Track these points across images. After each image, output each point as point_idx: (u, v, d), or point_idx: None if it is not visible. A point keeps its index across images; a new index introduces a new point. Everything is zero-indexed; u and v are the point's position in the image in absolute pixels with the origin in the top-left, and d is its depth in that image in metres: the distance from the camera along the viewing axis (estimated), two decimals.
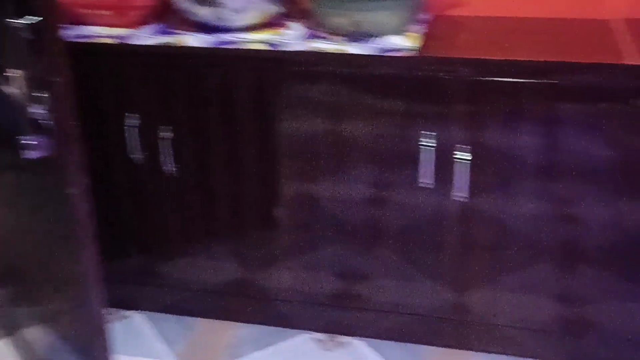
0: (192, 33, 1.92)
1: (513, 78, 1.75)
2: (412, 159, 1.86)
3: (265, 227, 2.07)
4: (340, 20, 1.84)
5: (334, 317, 2.13)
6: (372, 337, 2.10)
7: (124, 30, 1.95)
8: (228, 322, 2.20)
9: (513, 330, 2.00)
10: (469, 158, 1.81)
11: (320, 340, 2.11)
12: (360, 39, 1.83)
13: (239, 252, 2.12)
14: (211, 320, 2.21)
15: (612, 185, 1.79)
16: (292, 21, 1.98)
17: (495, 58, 1.78)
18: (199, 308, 2.24)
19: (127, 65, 1.98)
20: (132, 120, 2.01)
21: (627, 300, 1.88)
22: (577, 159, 1.79)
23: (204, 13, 1.89)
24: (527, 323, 1.98)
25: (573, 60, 1.75)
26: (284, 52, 1.86)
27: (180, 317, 2.23)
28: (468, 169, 1.82)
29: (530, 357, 2.01)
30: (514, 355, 2.02)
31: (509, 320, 1.99)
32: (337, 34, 1.86)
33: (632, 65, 1.70)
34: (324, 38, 1.86)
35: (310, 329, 2.15)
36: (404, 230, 1.97)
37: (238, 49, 1.88)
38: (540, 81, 1.74)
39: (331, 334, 2.13)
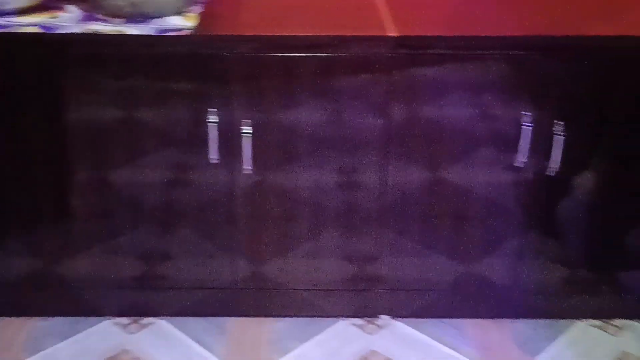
0: None
1: (289, 52, 1.80)
2: (202, 138, 1.85)
3: (60, 217, 1.98)
4: (118, 1, 1.79)
5: (137, 299, 2.08)
6: (175, 315, 2.08)
7: None
8: (26, 317, 2.08)
9: (307, 293, 2.07)
10: (251, 132, 1.83)
11: (124, 324, 2.06)
12: (139, 21, 1.79)
13: (34, 244, 2.01)
14: (8, 318, 2.07)
15: (382, 151, 1.89)
16: (69, 3, 1.89)
17: (271, 34, 1.82)
18: None
19: None
20: None
21: (404, 255, 2.01)
22: (352, 128, 1.87)
23: None
24: (320, 285, 2.05)
25: (342, 34, 1.82)
26: (60, 34, 1.77)
27: None
28: (251, 144, 1.85)
29: (324, 316, 2.08)
30: (310, 316, 2.08)
31: (303, 284, 2.05)
32: (116, 16, 1.81)
33: (393, 37, 1.80)
34: (102, 20, 1.80)
35: (113, 314, 2.08)
36: (200, 209, 1.96)
37: (10, 32, 1.77)
38: (314, 55, 1.80)
39: (135, 317, 2.08)
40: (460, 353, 1.98)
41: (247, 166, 1.87)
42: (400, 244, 2.00)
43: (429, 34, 1.83)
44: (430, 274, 2.04)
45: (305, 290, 2.07)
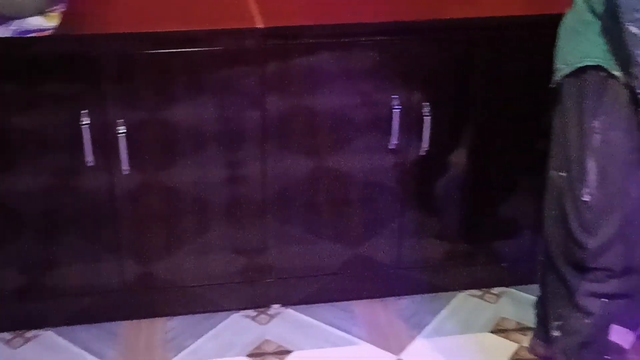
0: None
1: (160, 49, 1.76)
2: (77, 141, 1.78)
3: None
4: None
5: (19, 312, 1.97)
6: (63, 325, 1.99)
7: None
8: None
9: (198, 289, 2.03)
10: (126, 132, 1.78)
11: (6, 340, 1.95)
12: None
13: None
14: None
15: (262, 143, 1.88)
16: None
17: (141, 31, 1.77)
18: None
19: None
20: None
21: (291, 243, 2.01)
22: (231, 122, 1.85)
23: None
24: (211, 280, 2.02)
25: (213, 28, 1.79)
26: None
27: None
28: (128, 144, 1.79)
29: (217, 310, 2.06)
30: (203, 311, 2.05)
31: (194, 281, 2.02)
32: None
33: (263, 28, 1.79)
34: None
35: None
36: (82, 213, 1.89)
37: None
38: (186, 50, 1.77)
39: (18, 331, 1.98)
40: (351, 334, 2.00)
41: (125, 166, 1.81)
42: (286, 232, 2.00)
43: (297, 24, 1.83)
44: (318, 259, 2.05)
45: (196, 286, 2.03)
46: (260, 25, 1.80)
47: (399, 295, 2.13)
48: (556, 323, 1.61)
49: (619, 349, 1.83)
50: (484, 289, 2.16)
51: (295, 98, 1.87)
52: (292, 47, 1.81)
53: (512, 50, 1.88)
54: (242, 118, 1.86)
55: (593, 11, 1.40)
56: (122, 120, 1.77)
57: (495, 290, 2.16)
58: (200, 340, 1.98)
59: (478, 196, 2.06)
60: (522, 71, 1.89)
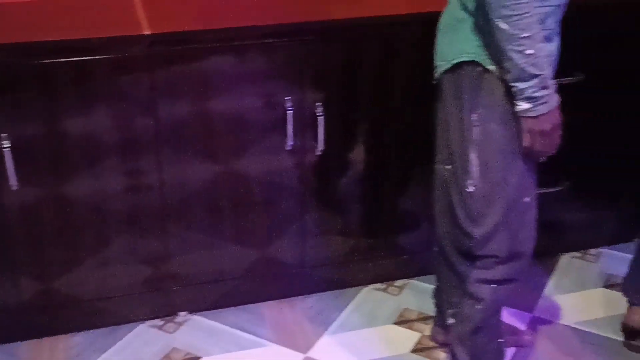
0: None
1: (45, 59, 1.69)
2: None
3: None
4: None
5: None
6: None
7: None
8: None
9: (102, 302, 1.97)
10: (10, 146, 1.69)
11: None
12: None
13: None
14: None
15: (157, 150, 1.83)
16: None
17: (22, 40, 1.67)
18: None
19: None
20: None
21: (195, 249, 1.98)
22: (124, 130, 1.80)
23: None
24: (114, 292, 1.96)
25: (99, 36, 1.72)
26: None
27: None
28: (14, 158, 1.70)
29: (123, 322, 2.00)
30: (108, 325, 1.99)
31: (97, 294, 1.95)
32: None
33: (149, 34, 1.74)
34: None
35: None
36: None
37: None
38: (72, 59, 1.71)
39: None
40: (259, 336, 1.98)
41: (13, 182, 1.73)
42: (189, 238, 1.97)
43: (184, 29, 1.78)
44: (223, 264, 2.03)
45: (99, 299, 1.96)
46: (147, 31, 1.75)
47: (305, 294, 2.12)
48: (450, 311, 1.65)
49: (513, 330, 1.90)
50: (387, 282, 2.19)
51: (188, 103, 1.83)
52: (181, 52, 1.78)
53: (398, 47, 1.90)
54: (135, 126, 1.81)
55: (465, 8, 1.43)
56: (7, 134, 1.69)
57: (399, 282, 2.19)
58: (106, 354, 1.91)
59: (376, 191, 2.07)
60: (409, 67, 1.91)
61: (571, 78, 1.95)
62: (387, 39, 1.89)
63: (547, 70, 1.37)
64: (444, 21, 1.51)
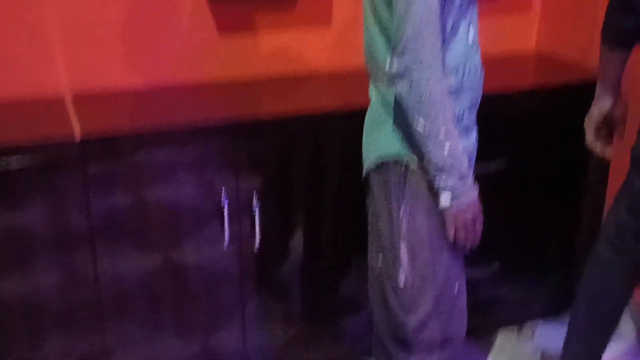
0: None
1: None
2: None
3: None
4: None
5: None
6: None
7: None
8: None
9: None
10: None
11: None
12: None
13: None
14: None
15: (93, 245, 1.82)
16: None
17: None
18: None
19: None
20: None
21: (134, 343, 1.94)
22: (56, 227, 1.78)
23: None
24: None
25: (28, 139, 1.72)
26: None
27: None
28: None
29: None
30: None
31: None
32: None
33: (80, 134, 1.75)
34: None
35: None
36: None
37: None
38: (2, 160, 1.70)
39: None
40: None
41: None
42: (128, 333, 1.93)
43: (117, 129, 1.82)
44: (164, 357, 1.99)
45: None
46: (78, 130, 1.77)
47: None
48: None
49: None
50: None
51: (123, 196, 1.83)
52: (114, 148, 1.79)
53: (329, 140, 1.95)
54: (68, 220, 1.79)
55: (386, 107, 1.50)
56: None
57: None
58: None
59: (314, 279, 2.09)
60: (341, 160, 1.95)
61: (493, 163, 2.05)
62: (318, 132, 1.94)
63: (466, 164, 1.44)
64: (368, 119, 1.58)
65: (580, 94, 2.10)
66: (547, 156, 2.22)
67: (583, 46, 2.32)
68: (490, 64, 2.35)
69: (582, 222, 2.35)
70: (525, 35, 2.53)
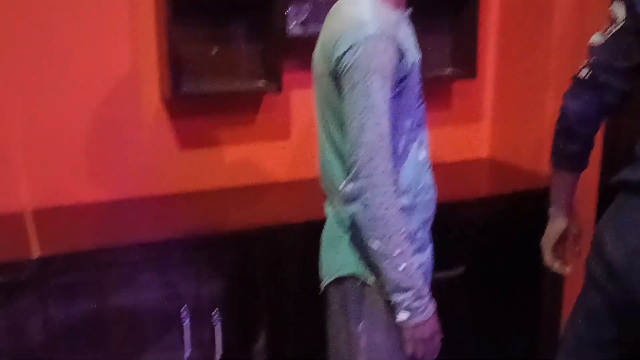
0: None
1: None
2: None
3: None
4: None
5: None
6: None
7: None
8: None
9: None
10: None
11: None
12: None
13: None
14: None
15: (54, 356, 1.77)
16: None
17: None
18: None
19: None
20: None
21: None
22: (10, 342, 1.73)
23: None
24: None
25: None
26: None
27: None
28: None
29: None
30: None
31: None
32: None
33: (38, 258, 1.73)
34: None
35: None
36: None
37: None
38: None
39: None
40: None
41: None
42: None
43: (78, 245, 1.82)
44: None
45: None
46: (37, 252, 1.76)
47: None
48: None
49: None
50: None
51: (81, 309, 1.79)
52: (75, 263, 1.77)
53: (291, 252, 1.96)
54: (27, 335, 1.74)
55: (342, 225, 1.51)
56: None
57: None
58: None
59: None
60: (300, 272, 1.95)
61: (451, 272, 2.08)
62: (278, 244, 1.95)
63: (421, 281, 1.44)
64: (324, 236, 1.59)
65: (531, 200, 2.19)
66: (503, 261, 2.25)
67: (533, 153, 2.41)
68: (446, 171, 2.45)
69: (542, 323, 2.37)
70: (478, 143, 2.63)
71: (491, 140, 2.63)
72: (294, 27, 2.17)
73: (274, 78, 2.14)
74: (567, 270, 1.76)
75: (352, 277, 1.49)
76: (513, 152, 2.54)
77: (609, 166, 2.12)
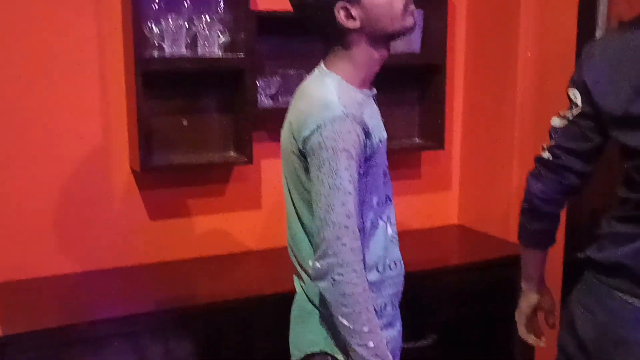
0: None
1: None
2: None
3: None
4: None
5: None
6: None
7: None
8: None
9: None
10: None
11: None
12: None
13: None
14: None
15: None
16: None
17: None
18: None
19: None
20: None
21: None
22: None
23: None
24: None
25: None
26: None
27: None
28: None
29: None
30: None
31: None
32: None
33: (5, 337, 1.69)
34: None
35: None
36: None
37: None
38: None
39: None
40: None
41: None
42: None
43: (43, 322, 1.77)
44: None
45: None
46: None
47: None
48: None
49: None
50: None
51: None
52: (38, 341, 1.71)
53: (262, 324, 1.93)
54: None
55: (311, 302, 1.50)
56: None
57: None
58: None
59: None
60: (270, 344, 1.89)
61: (423, 341, 2.06)
62: (249, 316, 1.93)
63: (390, 356, 1.42)
64: (294, 312, 1.57)
65: (501, 268, 2.20)
66: (475, 329, 2.25)
67: (500, 219, 2.44)
68: (417, 238, 2.46)
69: None
70: (447, 210, 2.66)
71: (460, 207, 2.67)
72: (264, 100, 2.21)
73: (245, 149, 2.15)
74: (542, 342, 1.75)
75: (322, 353, 1.47)
76: (481, 218, 2.58)
77: (572, 240, 2.14)
